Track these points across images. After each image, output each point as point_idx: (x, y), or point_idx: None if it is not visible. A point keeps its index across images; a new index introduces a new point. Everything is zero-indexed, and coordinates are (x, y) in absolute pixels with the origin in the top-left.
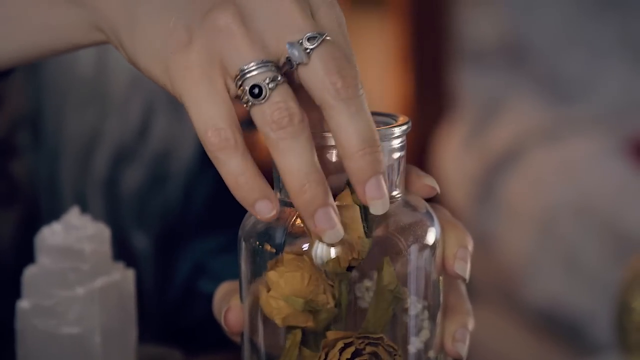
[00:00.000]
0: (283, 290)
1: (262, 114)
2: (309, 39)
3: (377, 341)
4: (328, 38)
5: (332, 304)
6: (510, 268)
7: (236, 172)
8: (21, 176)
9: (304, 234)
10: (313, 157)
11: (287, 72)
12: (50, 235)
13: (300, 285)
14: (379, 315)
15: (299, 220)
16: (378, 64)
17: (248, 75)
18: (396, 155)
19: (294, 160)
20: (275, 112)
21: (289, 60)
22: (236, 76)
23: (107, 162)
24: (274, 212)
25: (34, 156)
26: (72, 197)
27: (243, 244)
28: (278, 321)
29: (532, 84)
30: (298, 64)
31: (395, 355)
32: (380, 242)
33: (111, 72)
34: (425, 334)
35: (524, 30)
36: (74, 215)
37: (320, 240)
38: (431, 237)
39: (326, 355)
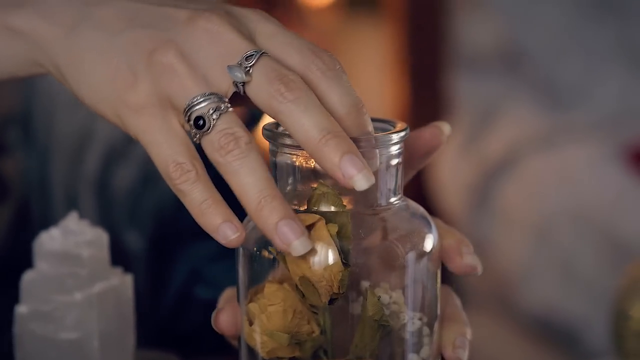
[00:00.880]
0: (266, 326)
1: (210, 143)
2: (246, 58)
3: None
4: (265, 53)
5: (317, 332)
6: (507, 275)
7: (199, 200)
8: (11, 175)
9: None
10: (265, 173)
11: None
12: (49, 240)
13: (284, 321)
14: (366, 341)
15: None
16: (374, 69)
17: (193, 110)
18: (394, 161)
19: (246, 179)
20: (221, 139)
21: (235, 84)
22: (184, 112)
23: (98, 161)
24: (238, 234)
25: (24, 155)
26: (62, 196)
27: (241, 250)
28: (263, 354)
29: (529, 90)
30: (243, 84)
31: None
32: (378, 250)
33: None
34: (425, 350)
35: (520, 36)
36: (72, 221)
37: (288, 255)
38: (429, 243)
39: None
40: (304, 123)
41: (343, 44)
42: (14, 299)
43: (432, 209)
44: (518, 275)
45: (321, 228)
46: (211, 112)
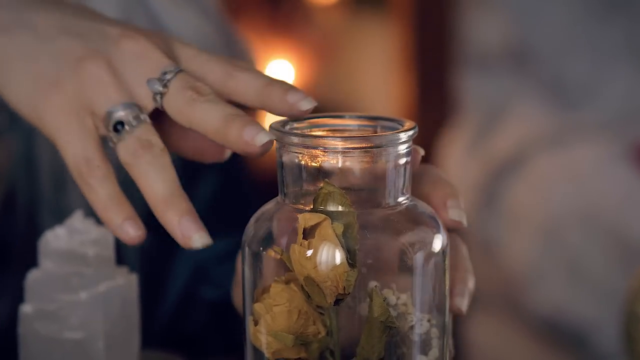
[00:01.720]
0: (271, 326)
1: (125, 147)
2: (165, 73)
3: None
4: (182, 70)
5: (323, 333)
6: (514, 275)
7: (105, 196)
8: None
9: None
10: (173, 175)
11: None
12: (54, 239)
13: (289, 322)
14: (372, 343)
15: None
16: (381, 68)
17: (114, 116)
18: (402, 160)
19: (154, 178)
20: (136, 144)
21: (154, 98)
22: (103, 117)
23: None
24: (140, 232)
25: (11, 139)
26: (49, 178)
27: (247, 249)
28: (268, 355)
29: (537, 89)
30: (161, 95)
31: None
32: (385, 250)
33: None
34: (434, 352)
35: (528, 35)
36: (77, 220)
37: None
38: (437, 244)
39: None
40: (213, 122)
41: (349, 43)
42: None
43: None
44: (526, 276)
45: (327, 227)
46: (131, 119)
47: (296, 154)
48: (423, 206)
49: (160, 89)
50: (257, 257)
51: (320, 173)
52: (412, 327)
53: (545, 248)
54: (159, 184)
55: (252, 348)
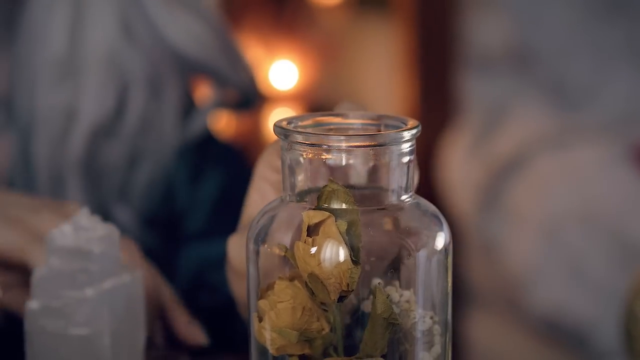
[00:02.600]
0: (275, 322)
1: None
2: None
3: None
4: None
5: (327, 329)
6: (515, 275)
7: None
8: None
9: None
10: None
11: None
12: (60, 236)
13: (293, 318)
14: (375, 339)
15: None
16: (384, 69)
17: None
18: (406, 159)
19: None
20: None
21: None
22: None
23: (83, 140)
24: None
25: (7, 135)
26: (47, 176)
27: (251, 246)
28: (272, 351)
29: (538, 90)
30: None
31: None
32: (388, 247)
33: (84, 50)
34: (436, 349)
35: (529, 37)
36: (83, 217)
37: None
38: (440, 242)
39: None
40: None
41: (353, 43)
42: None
43: (442, 209)
44: (526, 276)
45: (331, 225)
46: None
47: (300, 152)
48: (426, 204)
49: None
50: (261, 255)
51: (325, 171)
52: (414, 324)
53: (546, 248)
54: None
55: (256, 344)
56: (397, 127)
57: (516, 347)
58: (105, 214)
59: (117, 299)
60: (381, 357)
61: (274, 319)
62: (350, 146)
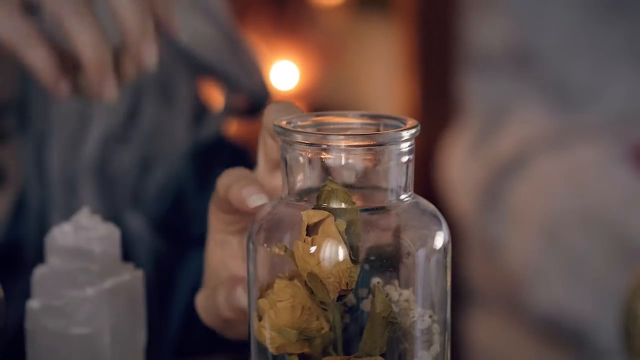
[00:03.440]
0: (274, 322)
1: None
2: None
3: None
4: None
5: (326, 328)
6: (516, 274)
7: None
8: (8, 163)
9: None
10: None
11: None
12: (60, 235)
13: (292, 317)
14: (374, 338)
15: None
16: (384, 69)
17: None
18: (405, 158)
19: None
20: None
21: None
22: None
23: (96, 146)
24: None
25: (21, 143)
26: (61, 183)
27: (251, 245)
28: (272, 350)
29: (539, 91)
30: None
31: None
32: (387, 247)
33: None
34: (435, 348)
35: (530, 37)
36: (84, 216)
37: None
38: (439, 241)
39: None
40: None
41: (354, 44)
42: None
43: (442, 209)
44: (527, 275)
45: (330, 224)
46: None
47: (300, 152)
48: (425, 204)
49: None
50: (260, 253)
51: (324, 170)
52: (413, 323)
53: (546, 248)
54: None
55: (256, 343)
56: (396, 127)
57: (516, 346)
58: (117, 220)
59: (118, 298)
60: (380, 356)
61: (274, 318)
62: (350, 146)
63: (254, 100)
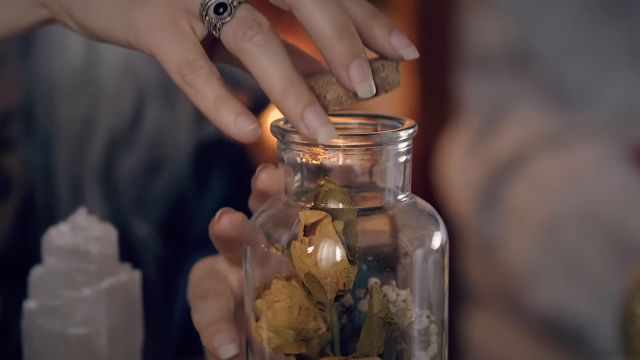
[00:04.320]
0: (272, 322)
1: (231, 30)
2: None
3: None
4: None
5: (324, 329)
6: (514, 274)
7: (213, 95)
8: (14, 169)
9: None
10: (288, 59)
11: None
12: (57, 236)
13: (290, 318)
14: (372, 339)
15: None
16: None
17: (211, 2)
18: (402, 158)
19: (272, 64)
20: (244, 24)
21: None
22: (200, 10)
23: (101, 150)
24: (254, 125)
25: (27, 148)
26: (67, 187)
27: (248, 247)
28: (269, 351)
29: (537, 91)
30: None
31: None
32: (385, 247)
33: (102, 61)
34: (433, 348)
35: (529, 37)
36: (81, 216)
37: (315, 142)
38: (437, 241)
39: None
40: (319, 17)
41: None
42: (21, 292)
43: (440, 208)
44: (525, 275)
45: (327, 225)
46: (231, 0)
47: (297, 152)
48: (422, 204)
49: None
50: (258, 254)
51: (321, 171)
52: (411, 323)
53: (545, 247)
54: (275, 70)
55: (253, 343)
56: (394, 127)
57: (514, 346)
58: (123, 225)
59: (115, 298)
60: (378, 356)
61: (271, 318)
62: (347, 146)
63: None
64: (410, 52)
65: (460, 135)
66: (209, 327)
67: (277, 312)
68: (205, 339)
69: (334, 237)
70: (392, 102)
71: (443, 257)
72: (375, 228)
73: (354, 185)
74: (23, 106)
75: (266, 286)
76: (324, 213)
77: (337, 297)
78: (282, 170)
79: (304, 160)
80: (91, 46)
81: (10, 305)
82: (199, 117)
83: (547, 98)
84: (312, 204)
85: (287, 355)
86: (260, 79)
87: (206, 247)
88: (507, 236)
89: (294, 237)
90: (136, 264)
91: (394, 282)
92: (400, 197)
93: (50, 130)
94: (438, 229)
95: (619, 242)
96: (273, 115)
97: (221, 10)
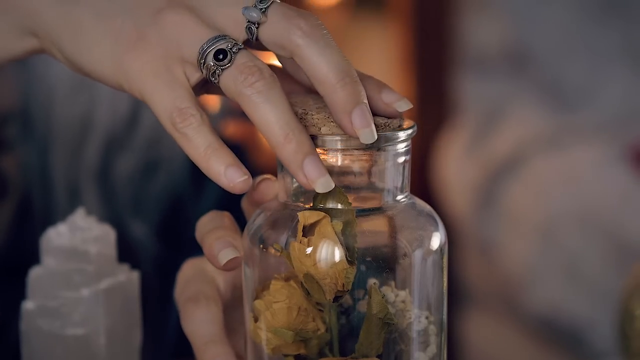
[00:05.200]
0: (271, 323)
1: (231, 77)
2: (260, 1)
3: None
4: (276, 1)
5: (322, 329)
6: (512, 275)
7: (204, 144)
8: (11, 171)
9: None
10: (289, 107)
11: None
12: (56, 236)
13: (289, 318)
14: (371, 339)
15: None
16: (380, 69)
17: (209, 49)
18: (401, 159)
19: (272, 111)
20: (244, 70)
21: (248, 28)
22: (198, 58)
23: (98, 151)
24: (244, 177)
25: (24, 150)
26: (64, 189)
27: (247, 247)
28: (268, 351)
29: (535, 91)
30: (258, 25)
31: None
32: (384, 247)
33: None
34: (432, 349)
35: (526, 37)
36: (79, 217)
37: (312, 190)
38: (435, 242)
39: None
40: (322, 62)
41: (349, 44)
42: (20, 293)
43: (438, 209)
44: (523, 276)
45: (326, 225)
46: (230, 47)
47: None
48: (421, 205)
49: (261, 17)
50: (257, 254)
51: None
52: (410, 324)
53: (542, 248)
54: (275, 117)
55: (252, 344)
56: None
57: (513, 347)
58: (120, 225)
59: (113, 299)
60: (377, 357)
61: (270, 319)
62: (346, 146)
63: None
64: (403, 105)
65: (458, 135)
66: (205, 346)
67: (276, 313)
68: (205, 248)
69: (332, 238)
70: None
71: (442, 258)
72: (374, 229)
73: (353, 185)
74: (20, 107)
75: (265, 287)
76: (322, 213)
77: (336, 298)
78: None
79: None
80: None
81: (8, 306)
82: None
83: (544, 99)
84: (311, 205)
85: (286, 355)
86: (260, 124)
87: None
88: (504, 237)
89: (293, 238)
90: (134, 264)
91: (392, 283)
92: (399, 197)
93: (47, 131)
94: (437, 229)
95: (616, 242)
96: None
97: (221, 56)
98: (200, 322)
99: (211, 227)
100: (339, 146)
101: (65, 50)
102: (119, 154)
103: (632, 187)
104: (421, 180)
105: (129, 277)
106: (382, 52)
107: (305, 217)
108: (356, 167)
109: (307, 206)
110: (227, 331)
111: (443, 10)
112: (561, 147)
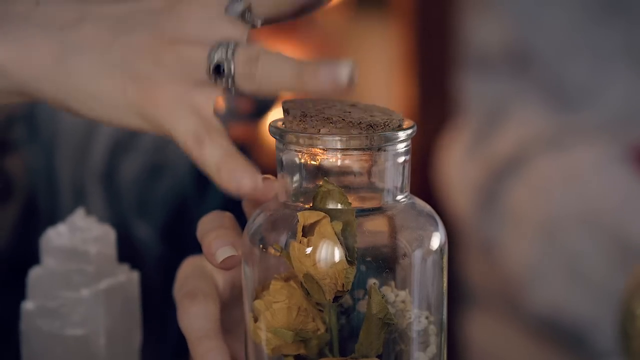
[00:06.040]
0: (270, 323)
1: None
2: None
3: None
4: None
5: (322, 330)
6: (514, 275)
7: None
8: (17, 172)
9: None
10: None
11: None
12: (56, 236)
13: (288, 318)
14: (371, 339)
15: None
16: (382, 69)
17: (211, 67)
18: (401, 159)
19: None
20: (246, 57)
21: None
22: (208, 71)
23: (104, 154)
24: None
25: (29, 152)
26: (70, 191)
27: (246, 247)
28: (268, 351)
29: (537, 91)
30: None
31: None
32: (383, 247)
33: None
34: (432, 349)
35: (528, 37)
36: (79, 217)
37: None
38: (435, 242)
39: None
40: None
41: (351, 43)
42: (19, 293)
43: (438, 209)
44: (525, 276)
45: (326, 225)
46: (225, 55)
47: (296, 153)
48: (421, 204)
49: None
50: (256, 255)
51: (320, 171)
52: (410, 324)
53: (544, 248)
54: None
55: (252, 344)
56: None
57: (514, 347)
58: (125, 227)
59: (113, 299)
60: (377, 357)
61: (270, 319)
62: (346, 146)
63: (260, 103)
64: (343, 71)
65: (459, 135)
66: (199, 340)
67: (276, 313)
68: (204, 247)
69: (332, 238)
70: (391, 103)
71: (442, 258)
72: (374, 229)
73: (353, 185)
74: (26, 109)
75: (265, 287)
76: (322, 213)
77: (336, 298)
78: (280, 171)
79: (302, 160)
80: None
81: (8, 306)
82: None
83: (546, 99)
84: (311, 205)
85: (285, 356)
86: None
87: None
88: (506, 237)
89: (293, 238)
90: (137, 266)
91: (392, 283)
92: (399, 197)
93: (53, 133)
94: (437, 229)
95: (618, 242)
96: (273, 117)
97: (221, 70)
98: (195, 317)
99: (211, 226)
100: (338, 146)
101: (73, 108)
102: (124, 156)
103: (634, 187)
104: (423, 180)
105: (129, 278)
106: (383, 52)
107: (305, 217)
108: (356, 167)
109: (307, 206)
110: (223, 331)
111: (445, 10)
112: (563, 147)
